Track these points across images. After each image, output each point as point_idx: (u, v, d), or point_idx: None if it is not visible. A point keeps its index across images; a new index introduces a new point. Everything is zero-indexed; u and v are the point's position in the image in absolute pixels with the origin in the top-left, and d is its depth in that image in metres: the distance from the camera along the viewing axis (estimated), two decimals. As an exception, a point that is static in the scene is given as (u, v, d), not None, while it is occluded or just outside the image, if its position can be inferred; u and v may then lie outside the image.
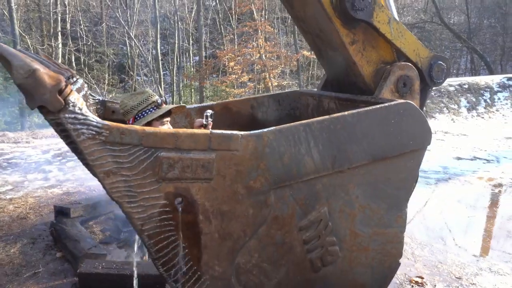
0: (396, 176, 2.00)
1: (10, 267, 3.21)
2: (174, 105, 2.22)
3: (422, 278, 3.21)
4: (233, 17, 28.34)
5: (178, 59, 28.06)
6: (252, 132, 1.64)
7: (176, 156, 1.52)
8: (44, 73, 1.32)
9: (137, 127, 1.51)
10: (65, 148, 7.73)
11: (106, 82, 25.38)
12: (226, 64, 21.93)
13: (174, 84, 25.93)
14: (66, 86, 1.40)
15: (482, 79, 13.72)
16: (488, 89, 13.02)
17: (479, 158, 7.17)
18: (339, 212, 1.91)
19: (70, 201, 4.62)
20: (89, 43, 27.62)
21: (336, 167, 1.83)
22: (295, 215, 1.81)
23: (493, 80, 13.56)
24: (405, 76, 2.26)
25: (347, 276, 2.01)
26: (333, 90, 2.84)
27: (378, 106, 1.93)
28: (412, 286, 3.11)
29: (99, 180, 1.52)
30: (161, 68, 23.98)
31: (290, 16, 2.61)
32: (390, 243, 2.06)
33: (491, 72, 20.91)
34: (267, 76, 20.94)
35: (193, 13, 31.03)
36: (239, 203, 1.66)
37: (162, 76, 24.09)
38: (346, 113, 1.85)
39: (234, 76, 21.50)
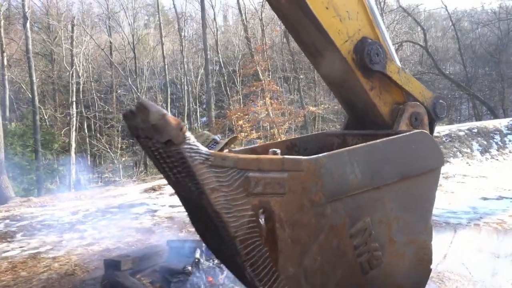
0: (420, 191, 2.41)
1: (72, 322, 3.22)
2: (228, 138, 2.54)
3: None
4: (238, 79, 29.70)
5: (188, 121, 28.93)
6: (311, 157, 2.01)
7: (259, 175, 1.85)
8: (170, 116, 1.65)
9: (232, 154, 1.86)
10: (93, 208, 7.86)
11: (119, 146, 25.95)
12: (234, 123, 22.58)
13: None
14: (183, 125, 1.70)
15: (490, 123, 14.06)
16: (498, 132, 13.30)
17: (506, 197, 7.21)
18: (379, 222, 2.23)
19: (112, 256, 4.65)
20: (100, 110, 28.71)
21: (374, 184, 2.19)
22: (346, 224, 2.13)
23: (501, 123, 13.91)
24: (416, 112, 2.74)
25: (390, 280, 2.28)
26: (354, 129, 3.16)
27: (401, 135, 2.37)
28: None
29: (206, 195, 1.75)
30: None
31: (317, 72, 3.06)
32: (422, 250, 2.41)
33: (496, 116, 21.39)
34: (276, 132, 21.49)
35: (199, 77, 32.63)
36: (304, 214, 1.98)
37: (173, 137, 24.67)
38: (378, 141, 2.24)
39: (243, 134, 22.03)
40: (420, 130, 2.50)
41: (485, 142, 12.74)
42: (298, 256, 1.98)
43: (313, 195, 1.99)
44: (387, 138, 2.31)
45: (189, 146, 1.69)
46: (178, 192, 2.27)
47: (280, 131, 21.47)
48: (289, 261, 1.95)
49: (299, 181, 1.94)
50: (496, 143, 12.86)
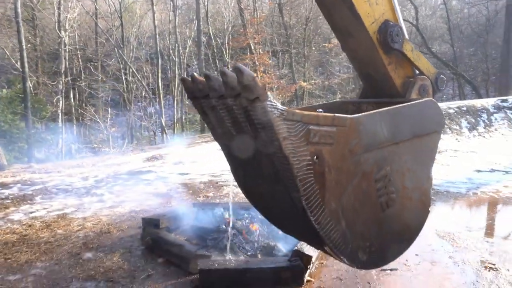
0: (427, 148, 2.90)
1: (123, 272, 3.46)
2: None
3: (494, 264, 3.59)
4: (227, 51, 29.39)
5: (178, 92, 28.63)
6: (353, 115, 2.44)
7: (317, 128, 2.26)
8: (257, 78, 2.06)
9: (298, 111, 2.25)
10: (102, 175, 7.99)
11: (108, 117, 25.60)
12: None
13: (176, 117, 26.39)
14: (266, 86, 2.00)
15: (478, 102, 14.61)
16: (485, 111, 13.87)
17: (497, 170, 7.72)
18: (396, 171, 2.71)
19: (146, 216, 4.88)
20: (87, 79, 28.08)
21: (395, 140, 2.64)
22: (373, 172, 2.58)
23: (488, 102, 14.47)
24: (424, 84, 3.22)
25: (401, 218, 2.79)
26: (368, 98, 3.58)
27: (417, 101, 2.81)
28: (489, 270, 3.48)
29: (279, 143, 2.15)
30: (162, 100, 24.48)
31: (341, 49, 3.42)
32: (424, 195, 2.92)
33: (479, 96, 22.11)
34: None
35: (187, 48, 32.09)
36: (345, 162, 2.41)
37: (163, 107, 24.54)
38: (400, 105, 2.70)
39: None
40: (430, 98, 2.95)
41: (473, 120, 13.30)
42: (338, 195, 2.43)
43: (353, 146, 2.42)
44: (407, 103, 2.77)
45: (270, 103, 2.09)
46: (231, 146, 2.67)
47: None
48: (332, 198, 2.40)
49: (343, 134, 2.36)
50: (483, 121, 13.44)
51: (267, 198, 2.80)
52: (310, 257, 3.42)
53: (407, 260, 3.66)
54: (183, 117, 26.97)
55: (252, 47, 23.75)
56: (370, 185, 2.57)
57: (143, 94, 28.89)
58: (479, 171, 7.69)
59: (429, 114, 2.87)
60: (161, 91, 24.93)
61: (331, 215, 2.42)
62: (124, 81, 28.23)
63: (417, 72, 3.29)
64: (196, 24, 26.94)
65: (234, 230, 4.12)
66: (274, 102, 2.13)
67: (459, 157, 9.43)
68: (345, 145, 2.38)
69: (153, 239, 3.91)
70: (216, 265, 3.21)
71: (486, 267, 3.56)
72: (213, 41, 29.61)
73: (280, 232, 3.99)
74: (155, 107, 25.45)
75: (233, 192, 6.26)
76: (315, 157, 2.29)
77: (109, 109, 27.44)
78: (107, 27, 30.30)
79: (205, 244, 4.06)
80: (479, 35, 27.85)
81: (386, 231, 2.73)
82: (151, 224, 4.15)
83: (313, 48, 30.15)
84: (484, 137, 12.57)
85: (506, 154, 9.55)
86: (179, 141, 13.56)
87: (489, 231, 4.66)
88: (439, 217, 4.96)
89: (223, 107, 2.37)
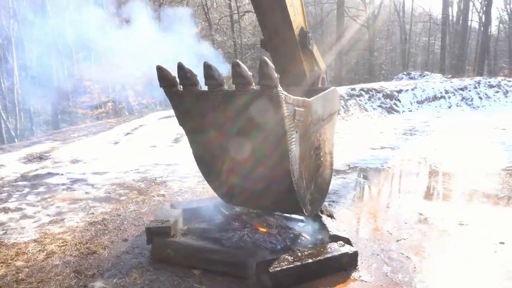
0: (333, 123, 4.02)
1: None
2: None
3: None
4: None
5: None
6: (309, 99, 3.18)
7: (298, 109, 2.98)
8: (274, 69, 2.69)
9: (291, 96, 2.88)
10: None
11: None
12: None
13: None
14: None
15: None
16: (341, 98, 16.24)
17: (385, 147, 9.31)
18: (323, 140, 3.73)
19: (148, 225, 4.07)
20: None
21: (323, 117, 3.57)
22: (316, 140, 3.56)
23: (342, 90, 16.97)
24: (323, 77, 4.30)
25: (323, 175, 3.88)
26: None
27: (331, 89, 3.84)
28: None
29: (283, 120, 2.84)
30: None
31: (262, 46, 4.13)
32: (331, 158, 4.10)
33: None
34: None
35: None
36: (306, 134, 3.24)
37: None
38: (325, 92, 3.66)
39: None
40: (334, 87, 3.98)
41: (336, 106, 15.43)
42: (303, 161, 3.26)
43: (309, 122, 3.24)
44: (326, 91, 3.72)
45: (280, 89, 2.73)
46: (209, 129, 3.22)
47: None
48: (301, 160, 3.20)
49: (306, 113, 3.14)
50: (342, 106, 15.74)
51: (244, 174, 3.41)
52: (349, 240, 3.57)
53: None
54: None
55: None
56: (314, 150, 3.56)
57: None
58: (373, 149, 9.11)
59: (335, 98, 3.96)
60: None
61: (300, 176, 3.22)
62: None
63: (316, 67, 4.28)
64: None
65: (248, 225, 3.90)
66: (281, 88, 2.76)
67: (346, 138, 10.89)
68: (306, 121, 3.18)
69: (175, 250, 3.36)
70: (285, 264, 3.03)
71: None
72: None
73: (285, 220, 4.04)
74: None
75: (190, 187, 5.79)
76: (296, 130, 3.02)
77: None
78: None
79: (222, 245, 3.73)
80: (314, 31, 32.07)
81: (317, 186, 3.72)
82: (159, 234, 3.53)
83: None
84: (346, 120, 14.76)
85: (382, 132, 11.55)
86: (52, 137, 11.34)
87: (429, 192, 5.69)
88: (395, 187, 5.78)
89: (217, 94, 2.91)
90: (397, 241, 3.96)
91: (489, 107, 18.63)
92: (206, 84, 2.88)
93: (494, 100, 19.40)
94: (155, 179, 6.28)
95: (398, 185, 6.46)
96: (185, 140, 10.36)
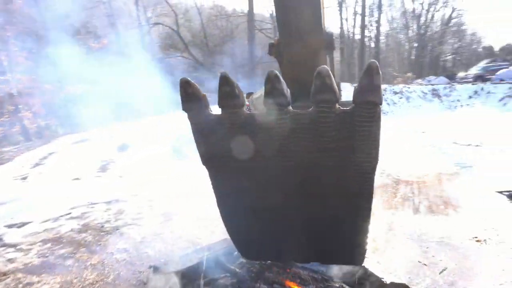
0: None
1: None
2: None
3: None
4: None
5: None
6: None
7: None
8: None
9: None
10: None
11: None
12: None
13: None
14: None
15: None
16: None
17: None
18: None
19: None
20: None
21: None
22: None
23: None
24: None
25: None
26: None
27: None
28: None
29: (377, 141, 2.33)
30: None
31: (270, 53, 3.50)
32: None
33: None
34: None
35: None
36: None
37: None
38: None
39: None
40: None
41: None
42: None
43: None
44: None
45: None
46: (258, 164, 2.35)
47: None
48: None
49: None
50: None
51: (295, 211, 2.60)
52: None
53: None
54: None
55: None
56: None
57: None
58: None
59: None
60: None
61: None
62: None
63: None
64: None
65: (276, 285, 2.98)
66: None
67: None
68: None
69: None
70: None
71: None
72: None
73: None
74: None
75: (155, 233, 4.57)
76: None
77: None
78: None
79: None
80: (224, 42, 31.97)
81: None
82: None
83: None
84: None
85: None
86: None
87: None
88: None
89: (285, 116, 2.18)
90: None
91: (397, 112, 20.23)
92: (267, 105, 2.13)
93: (399, 106, 21.19)
94: (102, 226, 4.88)
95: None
96: (114, 168, 8.83)
